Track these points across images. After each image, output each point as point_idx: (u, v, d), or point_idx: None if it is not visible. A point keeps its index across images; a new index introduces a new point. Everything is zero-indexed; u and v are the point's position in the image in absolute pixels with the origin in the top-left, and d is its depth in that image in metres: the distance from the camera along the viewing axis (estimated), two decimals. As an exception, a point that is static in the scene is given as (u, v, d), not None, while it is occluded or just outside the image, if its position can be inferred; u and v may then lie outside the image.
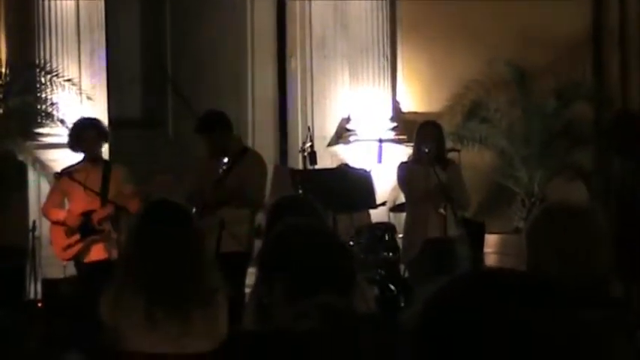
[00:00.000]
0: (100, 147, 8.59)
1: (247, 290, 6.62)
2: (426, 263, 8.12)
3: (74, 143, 8.44)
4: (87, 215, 8.23)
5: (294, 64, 12.23)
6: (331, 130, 11.76)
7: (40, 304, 8.97)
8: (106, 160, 8.69)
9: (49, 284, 9.17)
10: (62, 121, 10.44)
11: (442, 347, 1.49)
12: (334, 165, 10.83)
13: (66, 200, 8.45)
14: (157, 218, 3.89)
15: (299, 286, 2.85)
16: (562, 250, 2.90)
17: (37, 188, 10.35)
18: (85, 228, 8.22)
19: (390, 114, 11.63)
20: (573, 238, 2.91)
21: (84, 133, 8.36)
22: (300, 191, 8.58)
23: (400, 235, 9.07)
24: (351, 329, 2.84)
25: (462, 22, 11.75)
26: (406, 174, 8.57)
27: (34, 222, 9.57)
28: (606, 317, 1.95)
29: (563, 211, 3.10)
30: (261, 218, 8.03)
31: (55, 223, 8.37)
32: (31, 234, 9.51)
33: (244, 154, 8.32)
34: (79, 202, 8.28)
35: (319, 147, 10.63)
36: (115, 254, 7.89)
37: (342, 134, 11.67)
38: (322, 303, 2.86)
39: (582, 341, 1.48)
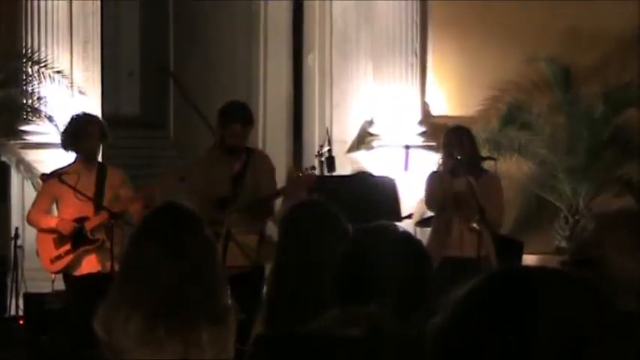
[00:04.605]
0: (99, 147, 8.39)
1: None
2: (442, 285, 7.43)
3: (71, 141, 8.09)
4: (80, 223, 8.00)
5: (312, 61, 12.14)
6: (352, 134, 11.57)
7: (21, 321, 9.00)
8: (100, 162, 8.42)
9: (32, 299, 9.12)
10: (50, 118, 10.20)
11: (477, 344, 1.50)
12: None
13: (54, 207, 8.17)
14: (163, 223, 3.59)
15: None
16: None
17: (21, 192, 10.18)
18: (78, 237, 7.99)
19: (418, 117, 11.40)
20: None
21: (85, 130, 8.05)
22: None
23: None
24: (391, 348, 3.02)
25: (499, 17, 11.50)
26: (434, 184, 8.36)
27: (16, 229, 9.51)
28: None
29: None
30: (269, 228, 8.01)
31: (43, 230, 8.07)
32: (13, 243, 9.48)
33: (253, 154, 8.17)
34: (70, 209, 8.00)
35: (338, 153, 10.60)
36: (108, 267, 7.79)
37: (364, 139, 11.45)
38: (374, 314, 2.99)
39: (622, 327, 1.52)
